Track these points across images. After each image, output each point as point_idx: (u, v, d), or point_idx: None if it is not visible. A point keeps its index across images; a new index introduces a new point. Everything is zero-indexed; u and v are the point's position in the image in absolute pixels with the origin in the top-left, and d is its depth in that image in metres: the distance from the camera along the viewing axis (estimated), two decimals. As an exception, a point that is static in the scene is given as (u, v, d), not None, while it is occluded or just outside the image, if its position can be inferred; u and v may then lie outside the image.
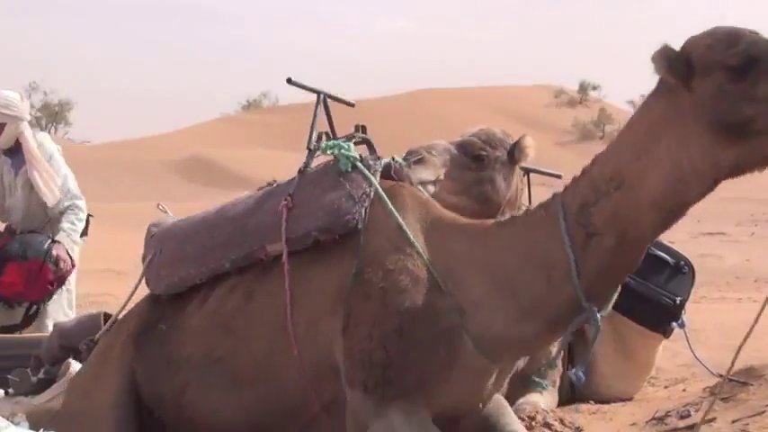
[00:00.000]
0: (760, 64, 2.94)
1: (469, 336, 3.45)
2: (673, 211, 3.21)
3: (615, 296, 3.44)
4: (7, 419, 4.09)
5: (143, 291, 4.37)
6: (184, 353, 4.02)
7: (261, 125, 77.09)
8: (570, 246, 3.29)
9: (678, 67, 3.07)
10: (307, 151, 4.05)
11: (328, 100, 4.35)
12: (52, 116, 52.87)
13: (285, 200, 3.83)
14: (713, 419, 4.88)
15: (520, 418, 5.05)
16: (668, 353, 6.36)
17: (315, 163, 4.03)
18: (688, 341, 6.09)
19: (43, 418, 4.84)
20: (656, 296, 5.96)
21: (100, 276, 15.00)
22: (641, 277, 5.92)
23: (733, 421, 4.79)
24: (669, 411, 5.15)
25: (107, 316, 5.58)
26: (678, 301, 6.01)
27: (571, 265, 3.28)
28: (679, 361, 6.45)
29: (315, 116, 4.19)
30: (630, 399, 5.83)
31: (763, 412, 4.80)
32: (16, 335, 7.11)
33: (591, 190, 3.30)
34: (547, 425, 5.05)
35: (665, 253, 6.07)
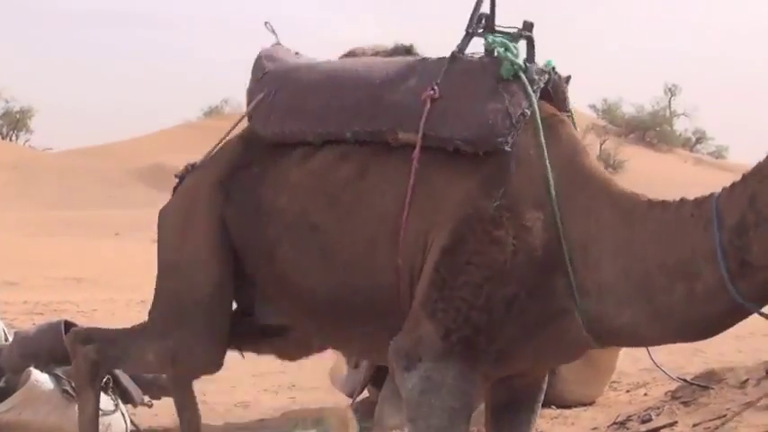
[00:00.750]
0: None
1: (584, 317, 3.22)
2: None
3: None
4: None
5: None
6: (278, 204, 3.74)
7: (223, 131, 76.84)
8: (723, 263, 3.01)
9: None
10: (465, 33, 3.58)
11: None
12: (13, 123, 52.48)
13: (432, 88, 3.45)
14: (674, 423, 4.90)
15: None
16: (630, 358, 6.37)
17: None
18: (648, 348, 6.12)
19: (3, 429, 4.81)
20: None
21: (62, 284, 14.89)
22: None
23: (694, 425, 4.81)
24: (631, 416, 5.17)
25: (68, 324, 5.54)
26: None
27: (727, 285, 2.99)
28: (641, 365, 6.48)
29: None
30: (592, 403, 5.84)
31: (725, 416, 4.82)
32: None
33: (750, 208, 2.99)
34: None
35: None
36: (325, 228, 3.62)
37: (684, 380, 5.75)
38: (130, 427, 5.43)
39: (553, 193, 3.28)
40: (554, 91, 3.56)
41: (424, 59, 3.68)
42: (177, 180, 4.20)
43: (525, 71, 3.44)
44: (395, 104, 3.54)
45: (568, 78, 3.63)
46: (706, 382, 5.47)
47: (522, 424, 3.67)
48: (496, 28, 3.58)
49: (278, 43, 4.08)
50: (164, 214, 4.10)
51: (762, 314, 3.04)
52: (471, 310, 3.22)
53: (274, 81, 3.93)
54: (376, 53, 3.92)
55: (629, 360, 6.41)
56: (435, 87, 3.45)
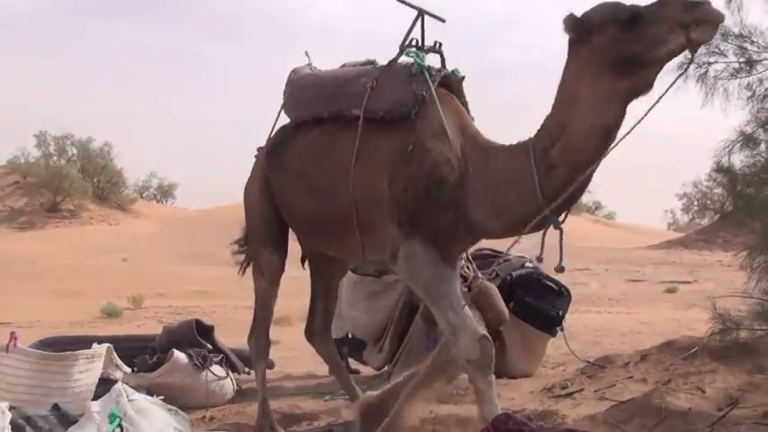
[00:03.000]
0: (644, 16, 2.85)
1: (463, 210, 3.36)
2: (603, 136, 3.03)
3: (567, 208, 3.25)
4: (133, 389, 4.06)
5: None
6: (288, 162, 3.96)
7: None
8: (536, 173, 3.14)
9: (578, 27, 2.98)
10: (399, 50, 3.79)
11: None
12: (163, 193, 52.45)
13: (372, 81, 3.66)
14: (582, 389, 4.86)
15: (459, 389, 5.00)
16: (554, 346, 6.33)
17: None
18: (565, 339, 6.09)
19: (156, 388, 4.81)
20: (547, 310, 5.92)
21: (193, 295, 14.88)
22: (538, 298, 5.91)
23: (595, 390, 4.77)
24: (555, 384, 5.12)
25: (198, 321, 5.56)
26: (561, 313, 5.98)
27: (536, 186, 3.14)
28: (561, 351, 6.42)
29: (412, 27, 3.81)
30: (530, 376, 5.79)
31: (614, 385, 4.78)
32: (139, 334, 7.07)
33: (547, 137, 3.16)
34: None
35: (553, 283, 6.03)
36: (310, 174, 3.84)
37: (588, 361, 5.70)
38: (235, 387, 5.42)
39: (448, 130, 3.42)
40: (451, 83, 3.72)
41: (376, 67, 3.87)
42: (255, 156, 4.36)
43: (428, 70, 3.63)
44: (352, 93, 3.72)
45: (463, 78, 3.77)
46: (602, 363, 5.42)
47: None
48: (419, 46, 3.77)
49: (309, 63, 4.26)
50: (247, 182, 4.35)
51: (555, 222, 3.18)
52: (406, 202, 3.39)
53: (291, 84, 4.13)
54: (354, 65, 4.04)
55: (553, 347, 6.37)
56: (374, 81, 3.66)
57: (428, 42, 3.81)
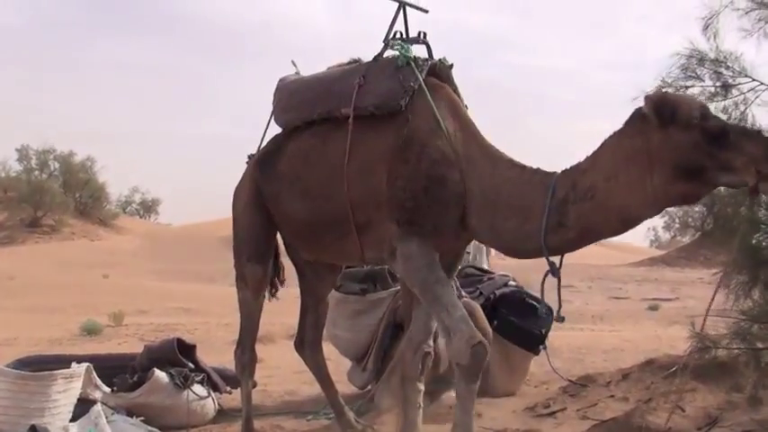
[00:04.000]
0: (730, 136, 2.72)
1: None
2: (629, 224, 2.93)
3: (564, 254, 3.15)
4: (112, 410, 4.02)
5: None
6: (280, 168, 3.86)
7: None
8: (547, 219, 3.00)
9: (663, 112, 2.77)
10: (383, 44, 3.70)
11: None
12: (146, 208, 52.16)
13: (359, 79, 3.59)
14: (565, 408, 4.87)
15: (441, 408, 5.00)
16: (537, 364, 6.33)
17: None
18: (548, 357, 6.10)
19: (136, 409, 4.76)
20: (530, 328, 5.90)
21: (175, 312, 14.77)
22: (521, 317, 5.91)
23: (577, 410, 4.78)
24: (537, 403, 5.13)
25: (179, 340, 5.52)
26: (543, 332, 5.97)
27: (542, 230, 3.01)
28: (544, 369, 6.43)
29: (394, 20, 3.72)
30: (513, 394, 5.78)
31: (596, 404, 4.80)
32: (120, 352, 7.00)
33: (572, 190, 2.98)
34: (459, 412, 4.96)
35: (535, 301, 6.04)
36: (303, 177, 3.74)
37: (571, 380, 5.72)
38: (217, 406, 5.38)
39: (442, 122, 3.33)
40: (440, 72, 3.61)
41: (362, 63, 3.78)
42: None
43: (414, 60, 3.54)
44: (340, 92, 3.64)
45: (452, 65, 3.66)
46: (584, 381, 5.45)
47: None
48: (404, 38, 3.69)
49: (297, 72, 4.19)
50: (235, 190, 4.25)
51: (549, 260, 3.08)
52: (405, 202, 3.30)
53: (279, 91, 4.07)
54: (340, 65, 3.96)
55: (537, 365, 6.37)
56: (362, 78, 3.58)
57: (413, 34, 3.74)
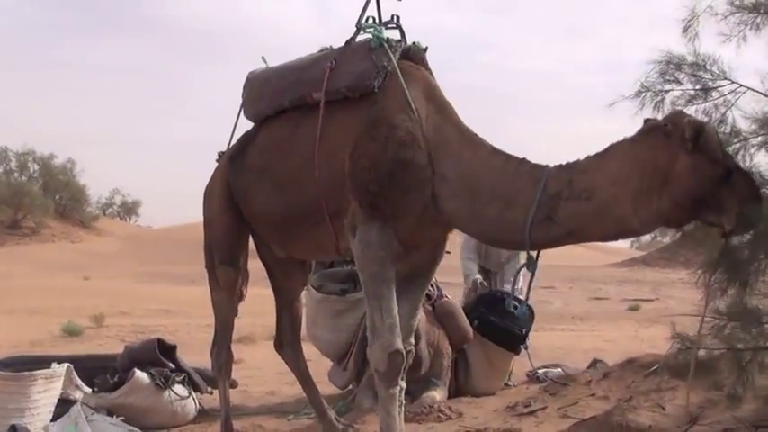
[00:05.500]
0: (731, 180, 2.70)
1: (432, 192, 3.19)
2: (620, 235, 2.88)
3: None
4: (93, 410, 4.00)
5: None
6: (249, 161, 3.77)
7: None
8: (535, 212, 2.91)
9: (696, 139, 2.69)
10: (355, 28, 3.61)
11: None
12: (127, 210, 51.79)
13: (330, 62, 3.50)
14: (545, 407, 4.88)
15: (422, 407, 5.02)
16: (518, 364, 6.35)
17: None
18: (529, 357, 6.12)
19: (116, 409, 4.74)
20: (511, 328, 5.92)
21: (156, 313, 14.67)
22: (502, 316, 5.93)
23: (558, 408, 4.79)
24: (518, 402, 5.13)
25: (160, 341, 5.49)
26: (524, 332, 6.00)
27: (527, 222, 2.92)
28: (525, 369, 6.45)
29: (366, 4, 3.63)
30: (494, 394, 5.80)
31: (577, 402, 4.81)
32: (101, 353, 6.96)
33: (567, 187, 2.88)
34: (440, 411, 4.99)
35: (517, 301, 6.07)
36: (275, 168, 3.64)
37: (552, 379, 5.74)
38: (198, 406, 5.36)
39: (413, 105, 3.25)
40: (414, 55, 3.55)
41: (334, 49, 3.68)
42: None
43: (387, 41, 3.47)
44: (310, 77, 3.56)
45: (426, 48, 3.59)
46: (565, 381, 5.46)
47: (418, 286, 3.62)
48: (377, 22, 3.59)
49: (267, 66, 4.08)
50: (205, 189, 4.12)
51: (529, 254, 3.01)
52: (369, 184, 3.20)
53: (249, 83, 3.97)
54: (311, 53, 3.86)
55: (518, 366, 6.39)
56: (333, 62, 3.49)
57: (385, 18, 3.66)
